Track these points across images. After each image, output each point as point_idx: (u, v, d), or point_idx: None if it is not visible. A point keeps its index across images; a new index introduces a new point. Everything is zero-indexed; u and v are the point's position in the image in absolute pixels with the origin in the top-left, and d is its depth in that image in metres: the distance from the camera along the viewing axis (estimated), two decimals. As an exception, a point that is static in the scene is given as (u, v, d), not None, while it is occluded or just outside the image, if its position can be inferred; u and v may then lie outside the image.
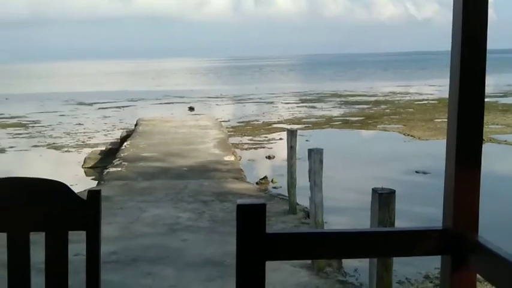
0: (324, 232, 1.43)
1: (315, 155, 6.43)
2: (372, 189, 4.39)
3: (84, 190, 8.07)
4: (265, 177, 13.20)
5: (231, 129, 21.93)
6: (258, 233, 1.32)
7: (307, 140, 17.62)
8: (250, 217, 1.33)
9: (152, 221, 8.18)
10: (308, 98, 38.30)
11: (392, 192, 4.25)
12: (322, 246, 1.39)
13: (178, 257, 6.60)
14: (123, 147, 15.16)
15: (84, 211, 2.11)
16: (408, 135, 20.04)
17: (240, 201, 1.35)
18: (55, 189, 2.11)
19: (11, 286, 2.05)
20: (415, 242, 1.41)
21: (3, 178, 2.13)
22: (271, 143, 19.49)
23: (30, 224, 2.09)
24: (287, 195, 9.39)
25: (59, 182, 2.14)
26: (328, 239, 1.39)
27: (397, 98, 35.91)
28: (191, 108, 31.75)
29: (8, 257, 2.06)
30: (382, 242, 1.41)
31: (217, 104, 35.73)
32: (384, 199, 4.15)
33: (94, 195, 2.15)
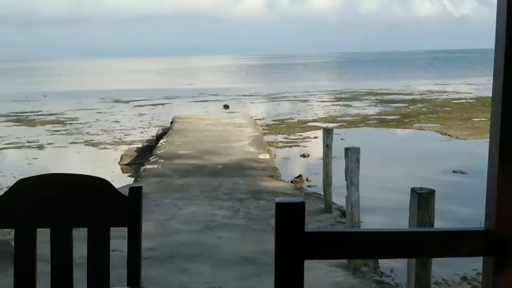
0: (363, 232, 1.42)
1: (352, 154, 6.41)
2: (411, 188, 4.36)
3: (121, 187, 8.19)
4: (299, 176, 13.18)
5: (265, 127, 21.94)
6: (297, 231, 1.32)
7: (342, 139, 17.53)
8: (289, 215, 1.33)
9: (188, 218, 8.24)
10: (343, 96, 38.08)
11: (431, 192, 4.21)
12: (361, 246, 1.38)
13: (213, 254, 6.65)
14: (159, 145, 15.30)
15: (126, 208, 2.15)
16: (445, 134, 19.77)
17: (278, 199, 1.35)
18: (98, 186, 2.15)
19: (53, 280, 2.09)
20: (456, 242, 1.39)
21: (47, 174, 2.18)
22: (306, 141, 19.44)
23: (73, 220, 2.13)
24: (322, 193, 9.37)
25: (102, 178, 2.18)
26: (368, 239, 1.39)
27: (434, 97, 35.45)
28: (226, 106, 31.86)
29: (51, 252, 2.11)
30: (422, 242, 1.40)
31: (251, 102, 35.77)
32: (423, 199, 4.11)
33: (136, 192, 2.18)
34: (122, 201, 2.14)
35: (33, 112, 30.84)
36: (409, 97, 35.63)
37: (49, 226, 2.11)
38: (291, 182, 12.20)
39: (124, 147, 18.07)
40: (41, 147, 19.47)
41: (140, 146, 17.34)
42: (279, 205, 1.33)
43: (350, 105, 31.36)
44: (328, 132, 8.95)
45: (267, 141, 17.13)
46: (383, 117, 25.55)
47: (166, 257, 6.45)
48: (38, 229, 2.11)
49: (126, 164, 16.11)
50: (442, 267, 6.93)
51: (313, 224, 7.80)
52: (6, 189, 2.16)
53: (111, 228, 2.12)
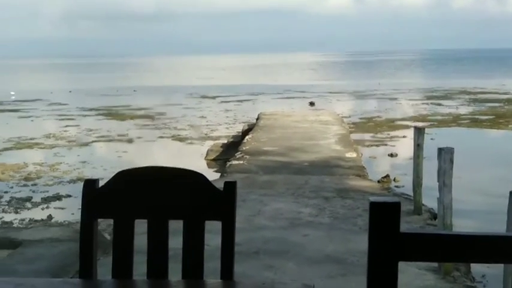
0: (460, 234, 1.36)
1: (445, 154, 6.19)
2: (510, 192, 4.14)
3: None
4: (387, 176, 12.93)
5: (352, 126, 21.68)
6: (392, 232, 1.29)
7: (432, 139, 17.04)
8: (383, 215, 1.29)
9: (273, 215, 8.24)
10: (434, 94, 37.10)
11: (533, 196, 3.98)
12: (457, 249, 1.32)
13: (299, 252, 6.60)
14: (244, 141, 15.42)
15: (221, 202, 2.15)
16: (543, 136, 18.87)
17: (373, 198, 1.32)
18: (194, 180, 2.16)
19: (149, 271, 2.12)
20: None
21: (146, 167, 2.21)
22: (394, 140, 19.08)
23: (169, 212, 2.14)
24: (410, 194, 9.13)
25: (199, 172, 2.18)
26: (464, 242, 1.32)
27: (532, 97, 33.94)
28: (312, 103, 31.75)
29: (148, 243, 2.13)
30: None
31: (338, 100, 35.49)
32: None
33: (230, 186, 2.18)
34: (217, 195, 2.15)
35: (124, 106, 31.90)
36: (505, 96, 34.27)
37: (146, 217, 2.13)
38: (378, 181, 11.98)
39: (210, 143, 18.36)
40: (130, 141, 20.09)
41: (226, 141, 17.56)
42: (373, 205, 1.30)
43: (441, 104, 30.51)
44: (419, 132, 8.71)
45: (354, 140, 16.91)
46: (476, 117, 24.70)
47: (252, 252, 6.46)
48: (136, 220, 2.14)
49: (211, 159, 16.36)
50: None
51: (402, 225, 7.58)
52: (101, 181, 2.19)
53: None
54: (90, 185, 2.16)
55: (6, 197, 12.07)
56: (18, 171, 14.60)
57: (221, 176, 11.67)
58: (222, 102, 34.66)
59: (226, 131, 21.47)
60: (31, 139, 20.10)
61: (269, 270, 6.00)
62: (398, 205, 1.28)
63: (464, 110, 27.40)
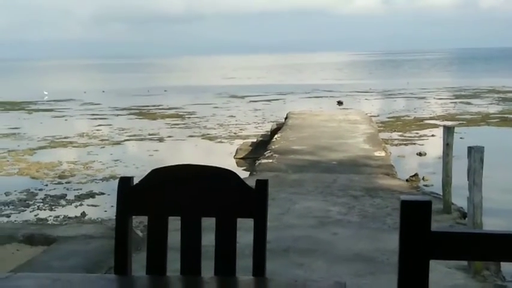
0: (492, 233, 1.36)
1: (476, 153, 6.16)
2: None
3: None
4: (415, 174, 12.86)
5: (380, 124, 21.56)
6: (423, 230, 1.28)
7: (461, 138, 16.86)
8: (415, 214, 1.29)
9: (302, 213, 8.27)
10: (463, 93, 36.66)
11: None
12: (489, 248, 1.33)
13: (328, 250, 6.63)
14: (273, 140, 15.45)
15: (253, 199, 2.19)
16: None
17: (403, 197, 1.32)
18: (227, 178, 2.20)
19: (183, 267, 2.15)
20: None
21: (179, 165, 2.25)
22: (423, 139, 18.94)
23: (202, 210, 2.19)
24: (439, 193, 9.09)
25: (231, 170, 2.23)
26: (496, 241, 1.32)
27: None
28: (340, 103, 31.63)
29: (181, 240, 2.18)
30: None
31: (366, 99, 35.28)
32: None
33: (262, 184, 2.21)
34: (249, 193, 2.18)
35: (154, 106, 32.16)
36: (536, 95, 33.71)
37: (180, 215, 2.18)
38: (407, 180, 11.92)
39: (239, 142, 18.43)
40: (161, 139, 20.28)
41: (255, 140, 17.62)
42: (404, 203, 1.30)
43: (470, 103, 30.15)
44: (448, 130, 8.66)
45: (382, 139, 16.83)
46: (506, 115, 24.34)
47: (282, 250, 6.50)
48: (169, 217, 2.19)
49: (240, 158, 16.43)
50: None
51: (431, 224, 7.57)
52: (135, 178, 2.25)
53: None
54: (125, 182, 2.20)
55: (41, 195, 12.31)
56: (52, 170, 14.87)
57: (250, 175, 11.73)
58: (251, 101, 34.71)
59: (255, 130, 21.52)
60: (65, 138, 20.42)
61: (299, 268, 6.04)
62: (430, 204, 1.28)
63: (493, 109, 27.02)
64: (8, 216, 10.72)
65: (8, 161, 16.27)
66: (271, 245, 6.70)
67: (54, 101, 36.82)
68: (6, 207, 11.31)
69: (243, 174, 13.17)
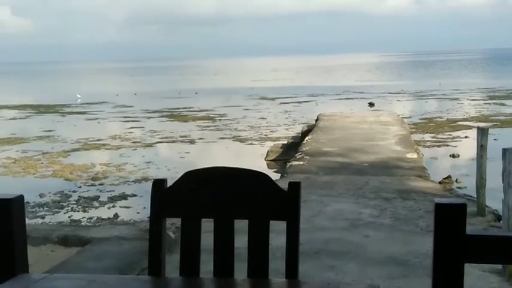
0: None
1: (510, 155, 6.06)
2: None
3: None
4: (448, 177, 12.71)
5: (412, 126, 21.36)
6: (458, 233, 1.28)
7: (495, 139, 16.59)
8: (449, 217, 1.29)
9: (334, 215, 8.24)
10: (497, 94, 36.10)
11: None
12: None
13: (360, 253, 6.59)
14: (304, 142, 15.42)
15: (286, 202, 2.19)
16: None
17: (438, 200, 1.31)
18: (259, 180, 2.20)
19: (216, 270, 2.17)
20: None
21: (212, 167, 2.26)
22: (456, 141, 18.71)
23: (235, 212, 2.20)
24: (473, 196, 8.97)
25: (263, 173, 2.24)
26: None
27: None
28: (371, 104, 31.43)
29: (214, 242, 2.20)
30: None
31: (398, 100, 34.98)
32: None
33: (295, 186, 2.21)
34: (281, 196, 2.18)
35: (186, 108, 32.37)
36: None
37: (213, 217, 2.20)
38: (439, 182, 11.79)
39: (270, 144, 18.44)
40: (192, 141, 20.40)
41: (285, 142, 17.60)
42: (439, 206, 1.29)
43: (504, 104, 29.68)
44: (482, 132, 8.54)
45: (414, 140, 16.67)
46: (541, 116, 23.92)
47: (313, 252, 6.48)
48: (202, 219, 2.20)
49: (271, 160, 16.43)
50: None
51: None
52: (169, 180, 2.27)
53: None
54: (158, 184, 2.21)
55: (75, 196, 12.49)
56: (85, 171, 15.07)
57: (281, 177, 11.73)
58: (281, 103, 34.69)
59: (285, 132, 21.50)
60: (98, 140, 20.68)
61: (330, 270, 6.02)
62: (464, 206, 1.28)
63: (528, 110, 26.61)
64: (43, 217, 10.90)
65: (42, 163, 16.54)
66: (303, 247, 6.67)
67: (87, 103, 37.32)
68: (41, 209, 11.50)
69: (273, 176, 13.16)
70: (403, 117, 21.90)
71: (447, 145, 17.97)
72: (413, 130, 20.23)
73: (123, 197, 12.33)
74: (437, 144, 18.24)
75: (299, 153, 13.51)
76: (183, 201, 2.21)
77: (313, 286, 2.18)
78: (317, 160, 12.58)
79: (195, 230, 2.19)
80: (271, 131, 22.30)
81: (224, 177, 2.23)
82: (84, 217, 10.85)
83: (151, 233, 2.22)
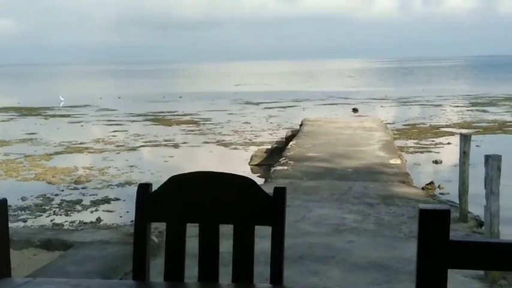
0: (510, 243, 1.36)
1: (493, 161, 6.13)
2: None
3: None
4: (431, 183, 12.79)
5: (396, 132, 21.49)
6: (442, 239, 1.29)
7: (477, 146, 16.75)
8: (433, 223, 1.29)
9: (318, 220, 8.25)
10: (479, 101, 36.44)
11: None
12: (507, 257, 1.32)
13: (343, 258, 6.60)
14: (288, 147, 15.44)
15: (271, 207, 2.19)
16: None
17: (422, 206, 1.32)
18: (245, 185, 2.21)
19: (201, 273, 2.15)
20: None
21: (197, 172, 2.26)
22: (438, 147, 18.84)
23: (220, 217, 2.19)
24: (456, 202, 9.04)
25: (248, 178, 2.24)
26: None
27: None
28: (355, 110, 31.58)
29: (199, 247, 2.19)
30: None
31: (381, 106, 35.18)
32: None
33: (280, 192, 2.22)
34: (266, 201, 2.18)
35: (170, 112, 32.30)
36: (553, 103, 33.42)
37: (198, 221, 2.19)
38: (422, 188, 11.86)
39: (254, 148, 18.44)
40: (176, 145, 20.34)
41: (269, 147, 17.61)
42: (423, 212, 1.30)
43: (486, 111, 29.97)
44: (465, 138, 8.61)
45: (398, 146, 16.76)
46: (523, 123, 24.17)
47: (297, 257, 6.49)
48: (187, 224, 2.20)
49: (255, 165, 16.43)
50: None
51: (447, 232, 7.52)
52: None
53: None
54: (143, 188, 2.20)
55: (57, 200, 12.40)
56: (68, 175, 14.97)
57: (265, 182, 11.73)
58: (266, 108, 34.74)
59: (269, 137, 21.52)
60: (81, 144, 20.56)
61: (314, 275, 6.03)
62: (448, 212, 1.28)
63: (510, 117, 26.84)
64: (25, 221, 10.81)
65: (24, 166, 16.41)
66: (287, 252, 6.65)
67: (70, 106, 37.11)
68: (23, 212, 11.40)
69: (257, 181, 13.14)
70: (386, 123, 22.00)
71: (430, 151, 18.08)
72: (397, 136, 20.35)
73: (106, 200, 12.26)
74: (420, 150, 18.36)
75: (283, 158, 13.52)
76: (168, 206, 2.21)
77: (298, 291, 2.18)
78: (301, 165, 12.60)
79: (180, 234, 2.18)
80: (255, 136, 22.31)
81: (209, 182, 2.23)
82: (66, 221, 10.77)
83: (136, 237, 2.21)
